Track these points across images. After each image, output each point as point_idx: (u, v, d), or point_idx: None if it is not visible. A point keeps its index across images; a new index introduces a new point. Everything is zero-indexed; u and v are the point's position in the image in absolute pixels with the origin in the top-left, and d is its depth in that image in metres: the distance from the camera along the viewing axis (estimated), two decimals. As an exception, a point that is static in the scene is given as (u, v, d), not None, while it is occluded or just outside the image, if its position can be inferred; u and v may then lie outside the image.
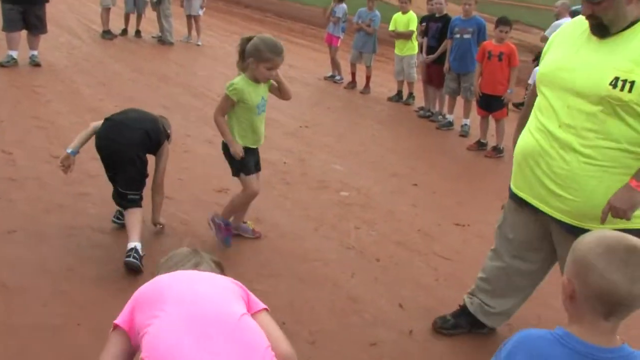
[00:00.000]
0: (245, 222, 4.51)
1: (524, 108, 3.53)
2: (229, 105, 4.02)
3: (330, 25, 10.83)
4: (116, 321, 2.01)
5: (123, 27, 12.34)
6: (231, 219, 4.32)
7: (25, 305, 3.35)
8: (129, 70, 9.49)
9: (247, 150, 4.14)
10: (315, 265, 4.25)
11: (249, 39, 3.99)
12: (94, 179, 5.05)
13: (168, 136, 4.27)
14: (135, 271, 3.76)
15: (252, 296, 2.16)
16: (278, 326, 2.14)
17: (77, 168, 5.18)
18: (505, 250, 3.37)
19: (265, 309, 2.17)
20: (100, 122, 4.08)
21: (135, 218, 3.95)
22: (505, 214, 3.37)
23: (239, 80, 3.99)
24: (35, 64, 8.80)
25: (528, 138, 3.02)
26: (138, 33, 12.43)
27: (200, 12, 12.51)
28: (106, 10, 11.72)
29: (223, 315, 1.91)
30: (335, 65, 11.05)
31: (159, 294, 1.98)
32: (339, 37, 10.79)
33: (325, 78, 11.06)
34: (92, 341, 2.98)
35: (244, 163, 4.15)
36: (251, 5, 22.03)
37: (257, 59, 3.92)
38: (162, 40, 12.09)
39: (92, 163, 5.29)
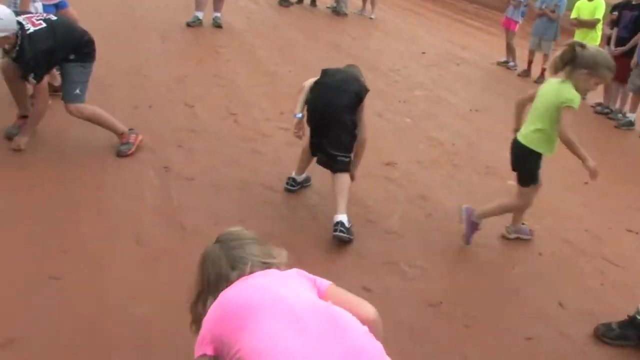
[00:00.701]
0: (523, 224, 4.48)
1: None
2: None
3: (510, 9, 10.40)
4: (199, 353, 1.93)
5: (300, -5, 12.62)
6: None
7: (200, 248, 3.54)
8: (303, 38, 9.70)
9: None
10: (477, 250, 4.17)
11: (581, 46, 3.79)
12: (268, 139, 5.25)
13: (368, 89, 4.26)
14: (345, 242, 3.88)
15: (317, 278, 2.08)
16: (350, 294, 2.07)
17: (252, 127, 5.46)
18: None
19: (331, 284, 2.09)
20: (312, 79, 4.19)
21: (343, 185, 4.00)
22: None
23: (574, 92, 3.80)
24: (217, 25, 9.24)
25: None
26: (313, 2, 12.64)
27: (378, -14, 12.51)
28: (285, -22, 12.03)
29: (311, 308, 1.85)
30: (510, 50, 10.62)
31: (237, 308, 1.88)
32: (517, 22, 10.34)
33: (499, 63, 10.66)
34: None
35: (538, 175, 4.10)
36: (425, -17, 21.65)
37: (593, 72, 3.75)
38: (337, 11, 12.22)
39: (266, 123, 5.52)
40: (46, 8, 5.25)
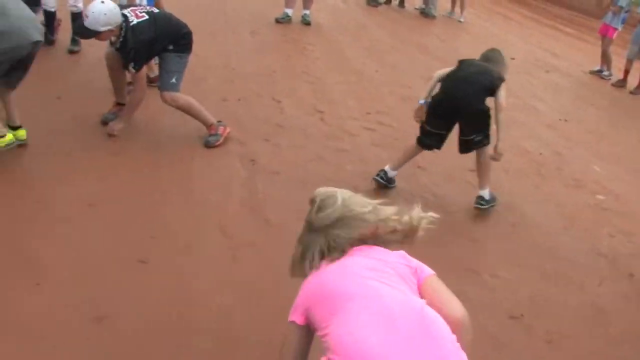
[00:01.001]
0: None
1: None
2: None
3: (609, 15, 9.98)
4: (291, 318, 2.01)
5: (389, -4, 12.55)
6: None
7: (283, 242, 3.58)
8: (391, 38, 9.65)
9: None
10: (561, 264, 4.05)
11: None
12: (353, 138, 5.26)
13: (503, 79, 4.34)
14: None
15: (420, 265, 2.06)
16: (447, 288, 2.02)
17: (338, 125, 5.47)
18: None
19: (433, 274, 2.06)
20: (444, 70, 4.41)
21: (482, 165, 4.44)
22: None
23: None
24: (306, 22, 9.29)
25: None
26: (402, 3, 12.54)
27: (469, -12, 12.29)
28: (375, -22, 11.99)
29: (405, 308, 1.83)
30: (605, 59, 10.19)
31: (333, 292, 1.91)
32: (616, 29, 9.88)
33: (591, 72, 10.27)
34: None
35: None
36: (517, -14, 21.10)
37: None
38: (425, 13, 12.08)
39: (352, 122, 5.53)
40: (149, 1, 5.48)
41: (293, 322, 2.01)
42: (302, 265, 2.15)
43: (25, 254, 3.19)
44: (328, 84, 6.70)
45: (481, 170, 4.46)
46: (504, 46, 10.97)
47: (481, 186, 4.46)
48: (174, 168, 4.34)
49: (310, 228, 2.16)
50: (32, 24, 3.82)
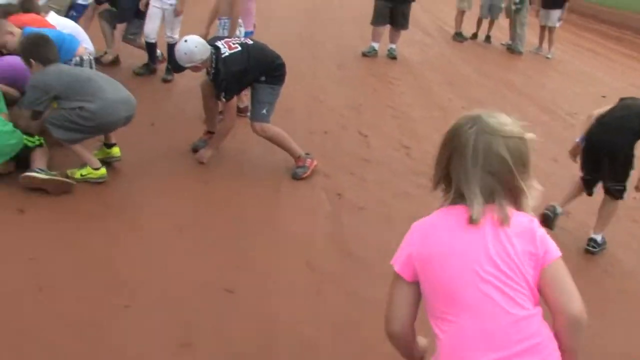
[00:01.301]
0: None
1: None
2: None
3: None
4: (399, 271, 1.84)
5: (474, 31, 12.45)
6: None
7: (367, 278, 3.57)
8: (477, 74, 9.55)
9: None
10: (660, 317, 3.83)
11: None
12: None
13: None
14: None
15: (546, 248, 1.82)
16: (570, 279, 1.79)
17: (423, 161, 5.42)
18: None
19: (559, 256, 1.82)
20: (602, 109, 4.40)
21: (607, 210, 4.39)
22: None
23: None
24: (392, 56, 9.35)
25: None
26: (488, 38, 12.43)
27: (558, 24, 12.02)
28: (461, 13, 11.92)
29: (519, 331, 1.72)
30: None
31: (448, 286, 1.76)
32: None
33: (688, 112, 9.84)
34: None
35: None
36: (608, 21, 20.38)
37: None
38: (511, 49, 11.92)
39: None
40: (246, 33, 5.65)
41: (401, 277, 1.85)
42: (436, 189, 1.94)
43: (117, 275, 3.30)
44: (413, 119, 6.68)
45: (604, 214, 4.41)
46: (594, 83, 10.71)
47: (597, 230, 4.41)
48: (261, 198, 4.40)
49: (459, 145, 1.83)
50: (125, 103, 4.19)
